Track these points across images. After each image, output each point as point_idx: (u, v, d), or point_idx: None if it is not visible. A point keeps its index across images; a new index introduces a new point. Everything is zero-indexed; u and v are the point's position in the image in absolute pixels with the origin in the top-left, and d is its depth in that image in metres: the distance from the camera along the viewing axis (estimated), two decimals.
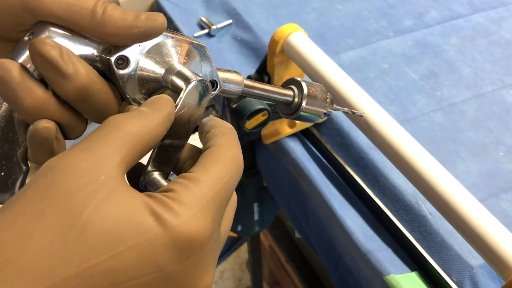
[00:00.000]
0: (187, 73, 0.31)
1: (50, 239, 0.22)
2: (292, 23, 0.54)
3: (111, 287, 0.22)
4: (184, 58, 0.32)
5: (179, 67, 0.31)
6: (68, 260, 0.22)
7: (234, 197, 0.30)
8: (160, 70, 0.31)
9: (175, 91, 0.31)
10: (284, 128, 0.60)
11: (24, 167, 0.31)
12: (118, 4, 1.75)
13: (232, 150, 0.28)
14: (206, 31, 0.74)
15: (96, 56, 0.30)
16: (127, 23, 0.29)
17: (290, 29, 0.53)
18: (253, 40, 0.71)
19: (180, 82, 0.31)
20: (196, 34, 0.73)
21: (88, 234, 0.22)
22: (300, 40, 0.53)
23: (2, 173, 0.31)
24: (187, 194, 0.25)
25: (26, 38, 0.29)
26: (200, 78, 0.30)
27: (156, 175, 0.29)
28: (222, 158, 0.27)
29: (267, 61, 0.55)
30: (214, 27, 0.74)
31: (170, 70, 0.31)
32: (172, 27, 0.76)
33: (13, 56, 0.29)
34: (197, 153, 0.31)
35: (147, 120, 0.26)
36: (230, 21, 0.75)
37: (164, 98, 0.29)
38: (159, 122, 0.27)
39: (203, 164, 0.27)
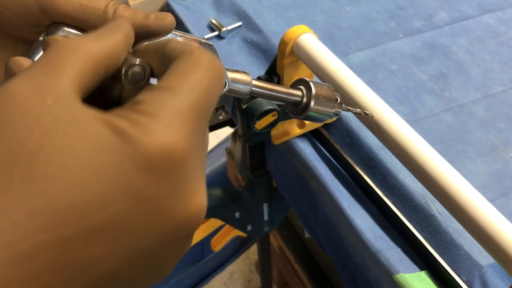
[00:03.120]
0: None
1: None
2: (301, 25, 0.55)
3: (77, 223, 0.19)
4: None
5: None
6: (18, 199, 0.18)
7: None
8: None
9: None
10: (293, 128, 0.61)
11: None
12: (128, 6, 1.77)
13: (207, 54, 0.23)
14: (216, 33, 0.75)
15: None
16: (137, 22, 0.30)
17: (300, 31, 0.54)
18: (262, 41, 0.72)
19: None
20: (206, 36, 0.74)
21: (38, 164, 0.19)
22: (309, 41, 0.53)
23: None
24: (158, 104, 0.21)
25: (41, 39, 0.31)
26: None
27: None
28: (199, 62, 0.23)
29: (277, 62, 0.56)
30: (224, 29, 0.74)
31: None
32: (182, 30, 0.77)
33: (29, 55, 0.30)
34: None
35: (100, 38, 0.23)
36: (240, 23, 0.76)
37: (118, 21, 0.25)
38: (115, 39, 0.23)
39: (175, 71, 0.22)
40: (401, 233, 0.51)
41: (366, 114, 0.47)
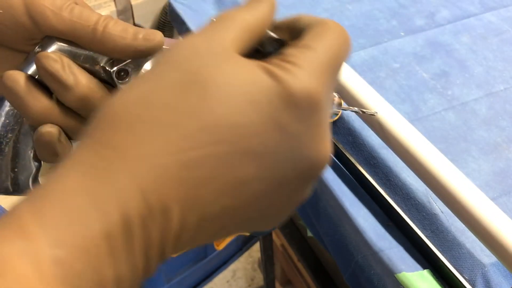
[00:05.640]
0: None
1: (172, 95, 0.22)
2: None
3: (235, 143, 0.22)
4: None
5: None
6: (193, 113, 0.22)
7: None
8: None
9: None
10: None
11: (36, 163, 0.35)
12: (131, 6, 1.76)
13: (337, 23, 0.27)
14: None
15: (100, 67, 0.33)
16: (126, 42, 0.31)
17: None
18: None
19: None
20: None
21: (209, 89, 0.22)
22: None
23: (16, 169, 0.34)
24: (301, 58, 0.25)
25: (35, 50, 0.33)
26: None
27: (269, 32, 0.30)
28: (331, 28, 0.27)
29: None
30: None
31: None
32: (184, 29, 0.77)
33: (23, 67, 0.32)
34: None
35: (252, 9, 0.27)
36: None
37: None
38: (266, 11, 0.28)
39: (313, 34, 0.26)
40: (404, 232, 0.51)
41: (363, 112, 0.47)
